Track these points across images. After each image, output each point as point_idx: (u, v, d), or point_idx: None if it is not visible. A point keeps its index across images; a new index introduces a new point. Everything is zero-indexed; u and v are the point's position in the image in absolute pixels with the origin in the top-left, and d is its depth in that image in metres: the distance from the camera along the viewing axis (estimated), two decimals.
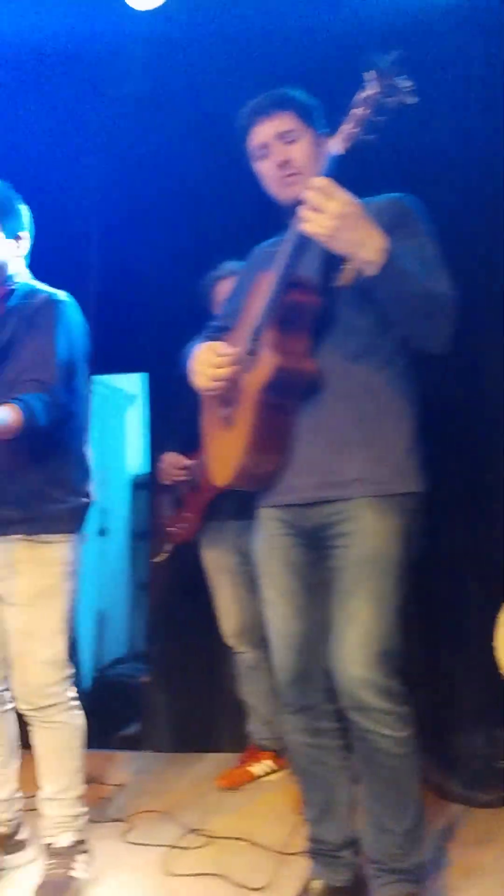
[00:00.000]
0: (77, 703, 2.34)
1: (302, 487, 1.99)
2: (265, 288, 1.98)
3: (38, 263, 2.52)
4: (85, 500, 2.40)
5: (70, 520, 2.35)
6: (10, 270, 2.37)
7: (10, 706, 2.42)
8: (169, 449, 3.17)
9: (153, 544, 3.49)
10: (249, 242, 3.31)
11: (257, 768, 3.06)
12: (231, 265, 3.05)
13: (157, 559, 3.32)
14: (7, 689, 2.40)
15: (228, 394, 2.09)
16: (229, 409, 2.12)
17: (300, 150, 2.02)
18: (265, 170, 2.07)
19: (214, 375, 2.03)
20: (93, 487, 2.44)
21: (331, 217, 1.71)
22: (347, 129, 1.72)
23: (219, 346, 2.06)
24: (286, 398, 1.99)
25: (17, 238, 2.40)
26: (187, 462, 3.06)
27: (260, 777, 3.05)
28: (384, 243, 1.75)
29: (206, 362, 2.04)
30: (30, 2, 3.40)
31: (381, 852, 1.95)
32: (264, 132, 2.03)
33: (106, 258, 3.73)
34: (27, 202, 2.63)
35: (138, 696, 3.90)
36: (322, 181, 1.73)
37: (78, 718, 2.33)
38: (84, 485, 2.41)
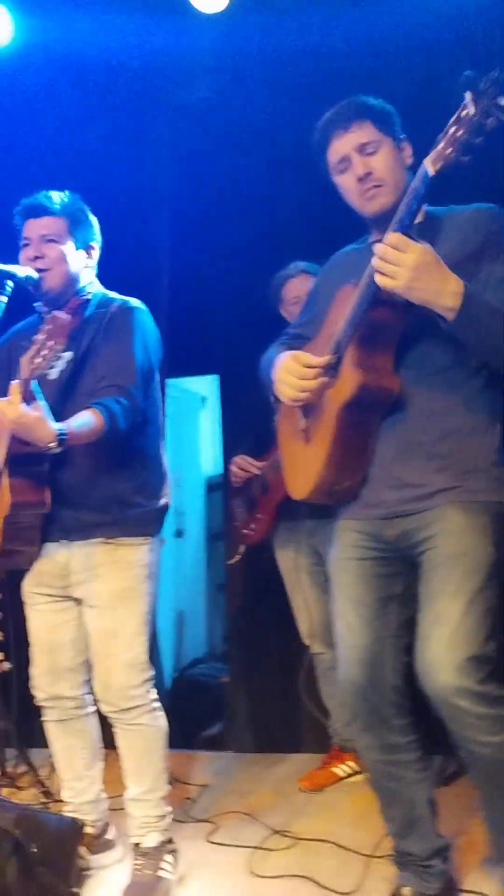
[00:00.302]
0: (158, 704, 2.36)
1: (386, 502, 1.96)
2: (348, 301, 1.94)
3: (111, 270, 2.56)
4: (162, 503, 2.43)
5: (148, 523, 2.38)
6: (83, 281, 2.41)
7: (91, 709, 2.45)
8: (240, 451, 3.18)
9: (228, 546, 3.51)
10: (318, 243, 3.31)
11: (341, 770, 3.04)
12: (300, 264, 3.04)
13: (232, 561, 3.34)
14: (89, 693, 2.44)
15: (309, 406, 2.06)
16: (309, 421, 2.10)
17: (381, 161, 1.96)
18: (346, 183, 2.01)
19: (301, 387, 1.99)
20: (169, 490, 2.47)
21: (407, 270, 1.70)
22: (442, 150, 1.66)
23: (306, 357, 2.01)
24: (368, 415, 1.96)
25: (89, 248, 2.43)
26: (258, 465, 3.06)
27: (343, 778, 3.03)
28: (460, 288, 1.74)
29: (293, 372, 2.00)
30: (96, 13, 3.46)
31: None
32: (343, 145, 1.98)
33: (176, 263, 3.77)
34: (99, 210, 2.69)
35: (219, 696, 3.93)
36: (395, 237, 1.72)
37: (160, 720, 2.35)
38: (161, 488, 2.44)
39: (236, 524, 3.26)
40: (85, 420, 2.11)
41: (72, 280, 2.36)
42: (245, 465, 3.09)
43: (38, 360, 1.98)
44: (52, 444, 2.03)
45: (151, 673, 2.34)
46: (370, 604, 2.00)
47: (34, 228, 2.33)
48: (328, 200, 3.42)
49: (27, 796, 2.95)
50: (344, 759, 3.05)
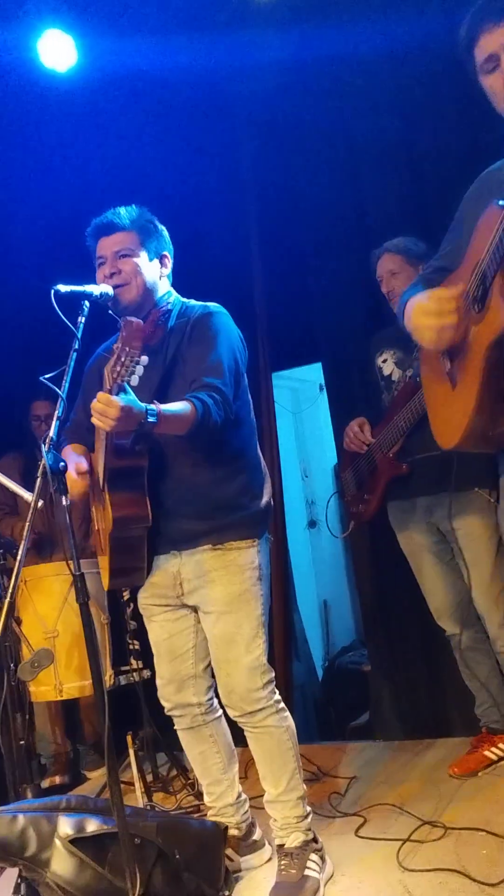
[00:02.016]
0: (283, 706, 2.34)
1: None
2: (495, 225, 1.67)
3: (205, 277, 2.56)
4: (265, 502, 2.41)
5: (254, 524, 2.36)
6: (161, 291, 2.42)
7: (219, 713, 2.47)
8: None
9: (345, 520, 3.47)
10: (412, 223, 3.25)
11: (492, 753, 2.91)
12: (390, 242, 2.98)
13: (343, 535, 3.33)
14: (215, 697, 2.45)
15: (453, 346, 1.86)
16: (454, 362, 1.90)
17: None
18: (495, 84, 1.79)
19: (440, 327, 1.79)
20: (270, 490, 2.44)
21: None
22: None
23: (441, 292, 1.82)
24: None
25: (162, 258, 2.44)
26: (369, 438, 3.01)
27: (496, 762, 2.90)
28: None
29: (430, 312, 1.81)
30: (157, 31, 3.49)
31: None
32: (495, 41, 1.76)
33: (269, 261, 3.79)
34: (190, 221, 2.67)
35: (366, 684, 3.87)
36: None
37: (288, 720, 2.34)
38: (262, 488, 2.42)
39: (347, 499, 3.22)
40: (177, 406, 2.10)
41: (149, 291, 2.37)
42: (360, 432, 3.03)
43: (119, 368, 2.00)
44: (144, 421, 2.01)
45: (272, 675, 2.33)
46: None
47: (107, 246, 2.36)
48: (421, 177, 3.40)
49: (178, 800, 3.01)
50: (495, 741, 2.93)
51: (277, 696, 2.33)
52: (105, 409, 1.95)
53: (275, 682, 2.34)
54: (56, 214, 3.92)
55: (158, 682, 2.47)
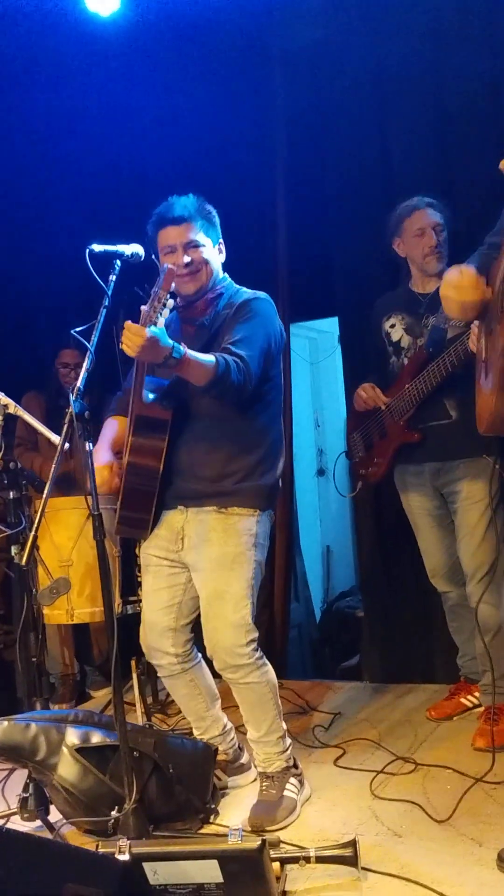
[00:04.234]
0: (265, 659, 2.52)
1: None
2: None
3: (231, 225, 2.68)
4: (274, 481, 2.56)
5: (259, 497, 2.51)
6: (220, 276, 2.58)
7: (198, 659, 2.66)
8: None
9: (352, 480, 3.59)
10: (433, 179, 3.30)
11: (468, 700, 3.14)
12: (426, 199, 2.99)
13: (351, 495, 3.46)
14: (193, 647, 2.64)
15: (488, 331, 1.87)
16: (486, 351, 1.93)
17: None
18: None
19: (461, 302, 1.81)
20: (282, 469, 2.61)
21: None
22: None
23: (467, 270, 1.83)
24: None
25: (220, 244, 2.59)
26: (384, 398, 3.08)
27: (470, 709, 3.13)
28: None
29: (454, 286, 1.82)
30: None
31: None
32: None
33: (293, 209, 3.84)
34: (215, 164, 2.69)
35: (359, 628, 4.09)
36: None
37: (269, 675, 2.52)
38: (275, 465, 2.57)
39: (355, 461, 3.35)
40: (202, 356, 2.28)
41: (213, 277, 2.54)
42: (373, 393, 3.12)
43: (150, 309, 2.21)
44: (169, 356, 2.18)
45: (256, 634, 2.49)
46: None
47: (174, 236, 2.50)
48: (442, 137, 3.42)
49: (174, 722, 3.26)
50: (471, 690, 3.15)
51: (259, 654, 2.50)
52: (132, 336, 2.15)
53: (257, 642, 2.49)
54: (98, 158, 4.01)
55: (141, 629, 2.65)
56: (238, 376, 2.32)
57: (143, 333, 2.14)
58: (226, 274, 2.62)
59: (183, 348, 2.22)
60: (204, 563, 2.49)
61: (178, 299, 2.47)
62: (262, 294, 2.57)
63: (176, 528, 2.54)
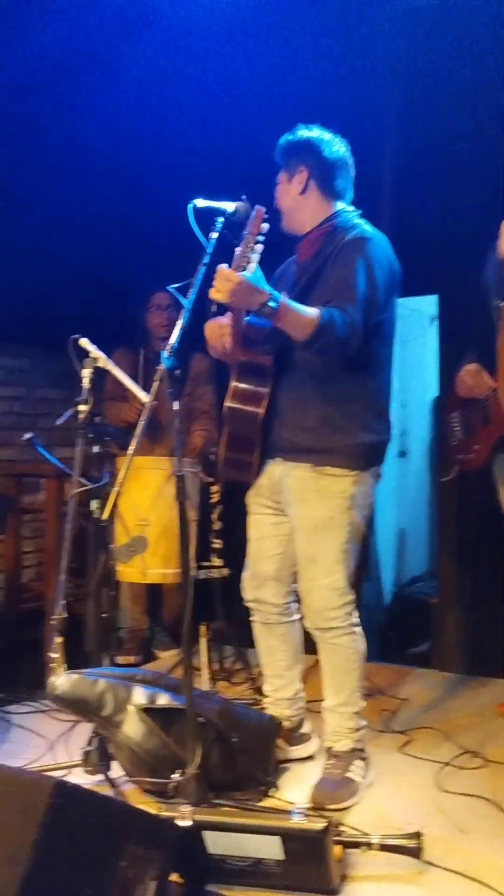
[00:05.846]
0: (359, 628, 2.47)
1: None
2: None
3: None
4: (375, 438, 2.45)
5: (356, 456, 2.41)
6: (312, 209, 2.49)
7: (296, 616, 2.62)
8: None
9: (442, 462, 3.47)
10: None
11: None
12: None
13: (445, 479, 3.32)
14: (295, 601, 2.60)
15: None
16: None
17: None
18: None
19: None
20: (388, 429, 2.52)
21: None
22: None
23: None
24: None
25: (300, 172, 2.49)
26: (491, 383, 2.93)
27: None
28: None
29: None
30: None
31: None
32: None
33: (401, 180, 3.73)
34: (323, 124, 2.64)
35: (432, 615, 3.99)
36: None
37: (359, 642, 2.47)
38: (378, 423, 2.46)
39: (453, 444, 3.21)
40: (304, 308, 2.20)
41: (291, 213, 2.49)
42: (479, 378, 2.93)
43: (241, 256, 2.17)
44: (265, 302, 2.12)
45: (351, 597, 2.44)
46: None
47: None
48: None
49: (239, 691, 3.23)
50: None
51: (354, 619, 2.45)
52: (223, 280, 2.11)
53: (354, 605, 2.45)
54: (203, 114, 3.93)
55: (244, 574, 2.65)
56: (342, 329, 2.21)
57: (234, 277, 2.08)
58: (343, 206, 2.50)
59: (283, 296, 2.14)
60: (298, 521, 2.45)
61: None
62: (368, 231, 2.42)
63: (276, 479, 2.50)
